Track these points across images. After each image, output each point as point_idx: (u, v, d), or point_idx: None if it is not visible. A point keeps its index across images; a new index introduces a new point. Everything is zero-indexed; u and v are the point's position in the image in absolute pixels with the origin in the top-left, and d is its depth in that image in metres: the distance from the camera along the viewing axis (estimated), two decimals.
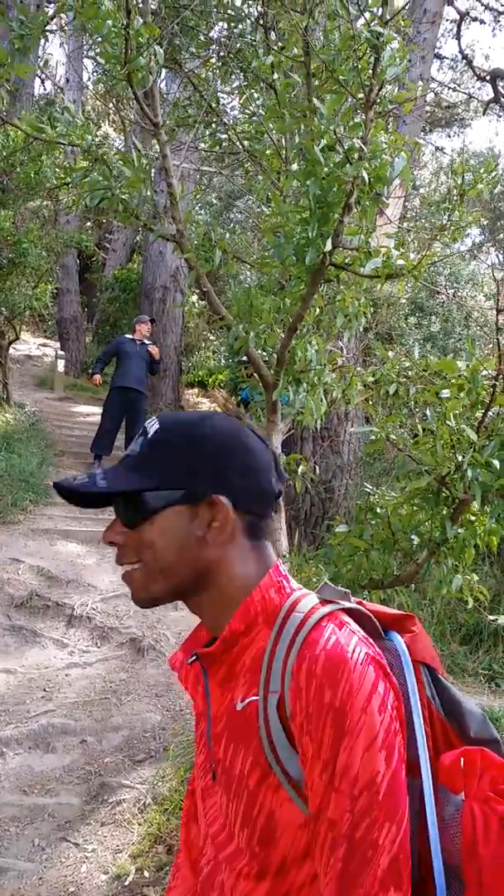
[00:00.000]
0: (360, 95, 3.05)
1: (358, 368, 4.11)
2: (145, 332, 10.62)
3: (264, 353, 3.80)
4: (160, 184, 11.26)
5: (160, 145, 3.95)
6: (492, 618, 3.30)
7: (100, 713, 4.59)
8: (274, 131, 3.87)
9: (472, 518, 2.84)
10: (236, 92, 4.22)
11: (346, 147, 2.93)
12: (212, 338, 18.61)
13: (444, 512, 2.83)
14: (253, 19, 4.26)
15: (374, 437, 3.02)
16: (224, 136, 4.71)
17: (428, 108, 20.26)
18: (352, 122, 3.06)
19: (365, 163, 2.90)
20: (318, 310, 3.67)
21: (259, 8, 4.13)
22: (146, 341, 10.54)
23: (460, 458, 2.61)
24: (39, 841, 3.44)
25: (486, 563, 6.20)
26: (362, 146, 2.91)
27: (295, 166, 3.71)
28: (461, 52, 21.36)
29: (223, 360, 17.43)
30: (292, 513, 7.02)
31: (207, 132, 4.79)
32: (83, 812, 3.65)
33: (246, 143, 4.33)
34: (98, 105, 21.89)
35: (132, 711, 4.60)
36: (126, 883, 3.09)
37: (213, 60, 4.71)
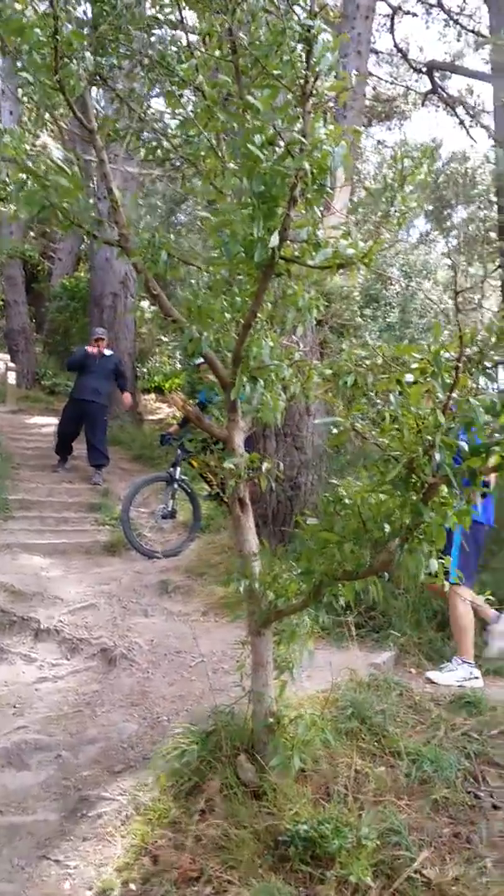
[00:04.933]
0: (296, 88, 3.02)
1: (315, 362, 4.07)
2: (103, 347, 10.65)
3: (219, 353, 3.76)
4: (102, 191, 11.17)
5: (96, 151, 3.89)
6: (468, 598, 3.28)
7: (74, 726, 4.51)
8: (207, 132, 3.82)
9: (443, 501, 2.82)
10: (164, 97, 4.16)
11: (286, 141, 2.90)
12: (165, 340, 18.52)
13: (415, 497, 2.80)
14: (170, 26, 4.20)
15: (338, 429, 2.99)
16: (157, 145, 4.65)
17: (367, 102, 20.37)
18: (288, 115, 3.03)
19: (307, 155, 2.88)
20: (270, 305, 3.64)
21: (177, 14, 4.07)
22: (106, 353, 10.57)
23: (428, 441, 2.59)
24: (18, 861, 3.37)
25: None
26: (302, 139, 2.88)
27: (232, 165, 3.67)
28: (396, 45, 21.58)
29: (179, 364, 17.36)
30: (259, 512, 6.97)
31: (141, 142, 4.73)
32: (63, 828, 3.58)
33: (180, 148, 4.27)
34: (34, 115, 21.64)
35: (107, 722, 4.53)
36: None
37: (137, 70, 4.65)
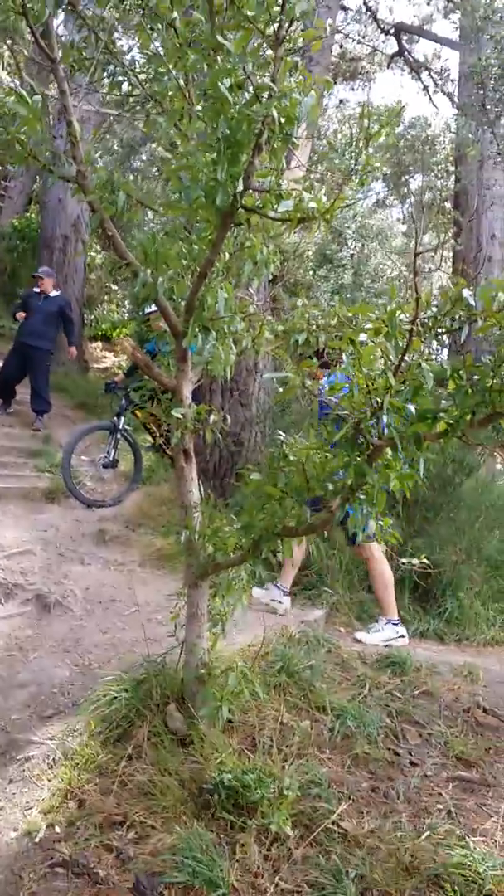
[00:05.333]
0: (269, 32, 2.94)
1: (267, 317, 4.04)
2: (48, 287, 10.35)
3: (172, 302, 3.70)
4: (59, 129, 10.84)
5: (58, 82, 3.76)
6: (403, 561, 3.33)
7: (5, 670, 4.48)
8: (176, 71, 3.72)
9: (386, 463, 2.84)
10: (135, 32, 4.02)
11: (255, 85, 2.84)
12: (115, 289, 18.23)
13: (359, 458, 2.81)
14: None
15: (287, 385, 2.98)
16: (123, 79, 4.51)
17: (333, 59, 20.09)
18: (260, 59, 2.96)
19: (275, 101, 2.82)
20: (227, 255, 3.58)
21: None
22: (52, 294, 10.30)
23: (377, 402, 2.59)
24: None
25: (393, 512, 6.30)
26: (272, 84, 2.82)
27: (199, 108, 3.59)
28: (365, 3, 21.24)
29: (127, 314, 17.13)
30: (201, 465, 6.96)
31: (105, 74, 4.58)
32: None
33: (147, 84, 4.15)
34: None
35: (39, 668, 4.51)
36: (37, 839, 3.05)
37: None
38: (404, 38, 20.73)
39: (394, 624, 5.46)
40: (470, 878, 3.08)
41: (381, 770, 3.86)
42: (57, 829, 3.12)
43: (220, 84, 2.80)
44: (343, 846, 3.25)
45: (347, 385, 2.80)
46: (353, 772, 3.79)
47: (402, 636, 5.42)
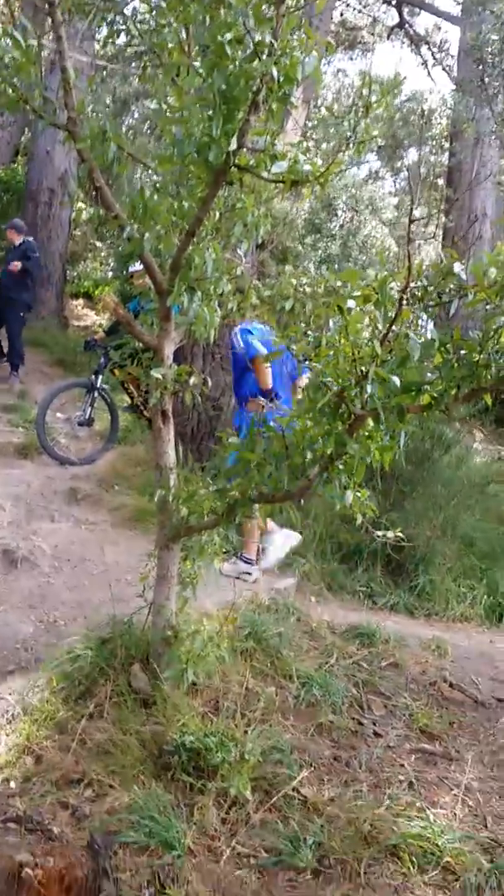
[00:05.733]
0: None
1: (254, 282, 3.98)
2: (14, 238, 10.13)
3: (158, 259, 3.63)
4: (51, 79, 10.58)
5: (55, 26, 3.63)
6: (378, 533, 3.32)
7: None
8: (177, 23, 3.61)
9: (367, 434, 2.81)
10: None
11: (255, 41, 2.76)
12: (99, 246, 17.98)
13: (340, 427, 2.78)
14: None
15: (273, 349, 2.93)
16: (122, 28, 4.39)
17: (333, 27, 19.79)
18: (261, 17, 2.87)
19: (276, 59, 2.74)
20: (217, 215, 3.51)
21: None
22: (17, 243, 10.07)
23: (362, 371, 2.56)
24: None
25: (370, 485, 6.30)
26: (273, 41, 2.74)
27: (198, 63, 3.49)
28: None
29: (111, 273, 16.92)
30: (179, 429, 6.90)
31: (106, 21, 4.45)
32: None
33: (146, 34, 4.04)
34: None
35: (3, 622, 4.48)
36: None
37: None
38: (405, 9, 20.44)
39: (246, 562, 5.62)
40: (428, 850, 3.11)
41: (345, 739, 3.88)
42: (12, 784, 3.10)
43: (219, 37, 2.72)
44: (302, 813, 3.27)
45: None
46: (316, 740, 3.81)
47: (251, 574, 5.60)
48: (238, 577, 5.39)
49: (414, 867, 3.04)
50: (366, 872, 3.01)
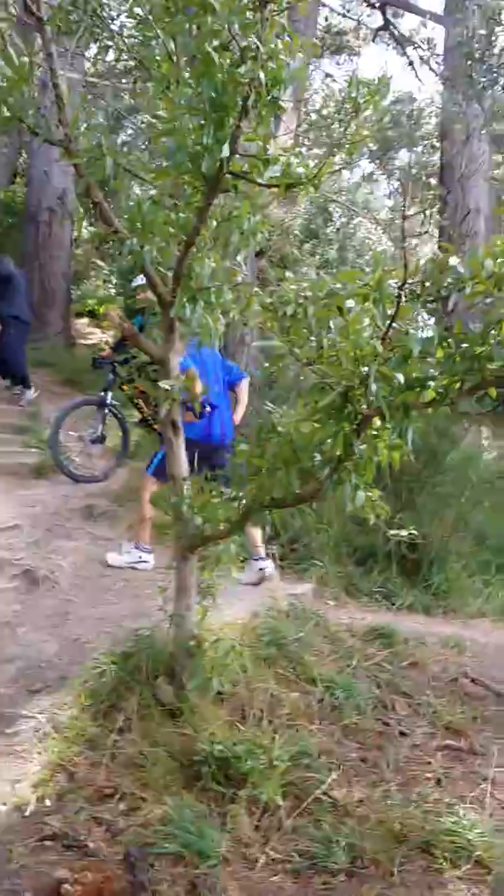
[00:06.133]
0: None
1: (255, 289, 4.00)
2: None
3: (160, 272, 3.66)
4: (45, 99, 10.67)
5: (45, 43, 3.67)
6: (392, 532, 3.33)
7: None
8: (164, 35, 3.65)
9: (375, 434, 2.82)
10: None
11: (241, 46, 2.79)
12: (102, 264, 18.05)
13: (347, 428, 2.79)
14: None
15: (276, 353, 2.95)
16: (111, 44, 4.43)
17: (318, 33, 19.86)
18: (246, 21, 2.90)
19: (261, 63, 2.77)
20: (214, 223, 3.53)
21: None
22: None
23: (365, 370, 2.57)
24: None
25: (381, 485, 6.31)
26: (258, 45, 2.77)
27: (187, 74, 3.53)
28: None
29: (114, 290, 16.98)
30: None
31: (94, 38, 4.50)
32: None
33: (135, 49, 4.08)
34: None
35: (27, 642, 4.49)
36: (27, 813, 3.04)
37: None
38: (389, 11, 20.48)
39: (141, 550, 5.79)
40: (459, 845, 3.11)
41: (371, 740, 3.88)
42: (47, 802, 3.11)
43: (206, 45, 2.75)
44: (333, 815, 3.27)
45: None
46: (343, 742, 3.81)
47: (146, 562, 5.74)
48: (132, 567, 5.60)
49: (447, 863, 3.05)
50: (399, 871, 3.01)
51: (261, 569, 5.50)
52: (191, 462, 5.47)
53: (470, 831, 3.16)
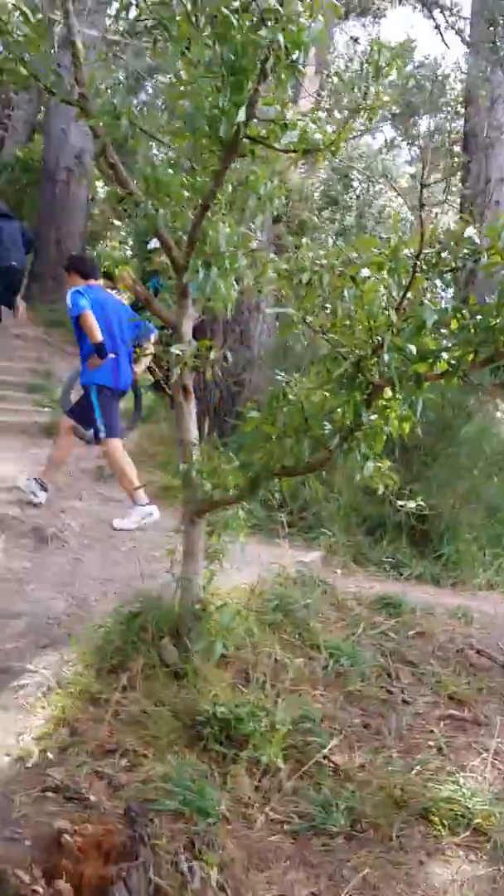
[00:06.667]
0: None
1: (271, 256, 3.97)
2: None
3: (174, 235, 3.63)
4: (64, 57, 10.51)
5: (63, 0, 3.63)
6: (400, 503, 3.33)
7: (1, 600, 4.51)
8: None
9: (385, 404, 2.82)
10: None
11: (261, 9, 2.74)
12: (119, 225, 17.92)
13: (359, 398, 2.79)
14: None
15: (288, 320, 2.94)
16: (133, 1, 4.37)
17: None
18: None
19: (282, 26, 2.73)
20: (230, 187, 3.50)
21: None
22: None
23: (378, 340, 2.56)
24: None
25: (391, 457, 6.30)
26: (279, 8, 2.73)
27: (206, 34, 3.47)
28: None
29: (130, 252, 16.88)
30: (201, 404, 6.93)
31: None
32: None
33: (155, 6, 4.02)
34: None
35: (35, 599, 4.54)
36: (29, 764, 3.09)
37: None
38: None
39: (141, 506, 5.88)
40: (458, 813, 3.15)
41: (374, 707, 3.92)
42: (49, 755, 3.16)
43: (225, 5, 2.71)
44: (333, 780, 3.32)
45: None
46: (346, 708, 3.85)
47: (151, 513, 5.88)
48: (140, 527, 5.76)
49: (445, 829, 3.09)
50: (398, 836, 3.05)
51: (33, 493, 5.86)
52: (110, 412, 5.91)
53: (470, 799, 3.20)
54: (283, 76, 2.89)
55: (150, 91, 16.35)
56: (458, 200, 14.50)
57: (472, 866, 2.98)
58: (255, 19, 2.75)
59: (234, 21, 2.69)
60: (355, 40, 22.08)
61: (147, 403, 8.72)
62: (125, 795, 2.87)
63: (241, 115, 2.79)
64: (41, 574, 4.90)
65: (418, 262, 2.51)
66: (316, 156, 3.15)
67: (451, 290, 2.96)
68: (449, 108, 17.96)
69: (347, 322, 2.72)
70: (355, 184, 11.78)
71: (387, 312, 2.58)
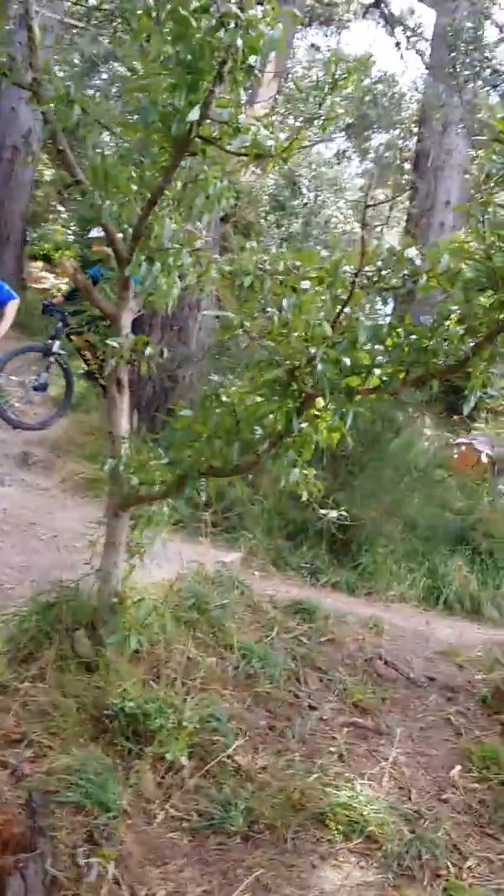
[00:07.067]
0: None
1: (215, 256, 3.99)
2: None
3: (119, 227, 3.62)
4: (16, 35, 10.36)
5: None
6: (322, 512, 3.39)
7: None
8: None
9: (317, 414, 2.86)
10: None
11: (221, 12, 2.76)
12: (61, 209, 17.68)
13: (291, 405, 2.83)
14: None
15: (227, 324, 2.96)
16: None
17: (309, 0, 19.61)
18: None
19: (240, 31, 2.75)
20: (179, 184, 3.50)
21: None
22: None
23: (313, 351, 2.60)
24: None
25: (319, 465, 6.38)
26: (239, 12, 2.74)
27: (166, 30, 3.47)
28: None
29: (72, 237, 16.66)
30: (133, 398, 6.90)
31: None
32: None
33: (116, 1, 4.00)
34: None
35: None
36: None
37: None
38: None
39: None
40: (353, 819, 3.22)
41: (280, 710, 3.97)
42: None
43: (184, 6, 2.72)
44: (235, 780, 3.36)
45: None
46: (253, 710, 3.89)
47: None
48: None
49: (339, 835, 3.16)
50: (293, 838, 3.11)
51: None
52: None
53: (365, 807, 3.28)
54: (238, 79, 2.90)
55: (104, 78, 16.19)
56: (404, 218, 14.75)
57: (363, 872, 3.05)
58: (214, 21, 2.76)
59: (193, 22, 2.70)
60: (316, 48, 22.29)
61: (78, 391, 8.62)
62: (28, 786, 2.85)
63: (195, 115, 2.80)
64: None
65: (357, 279, 2.55)
66: (267, 161, 3.17)
67: (390, 306, 3.02)
68: (402, 126, 18.24)
69: (284, 330, 2.75)
70: (304, 191, 11.85)
71: (323, 325, 2.62)
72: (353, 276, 2.57)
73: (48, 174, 16.56)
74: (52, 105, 3.24)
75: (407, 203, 14.50)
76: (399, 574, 6.40)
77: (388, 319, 2.82)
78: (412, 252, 2.75)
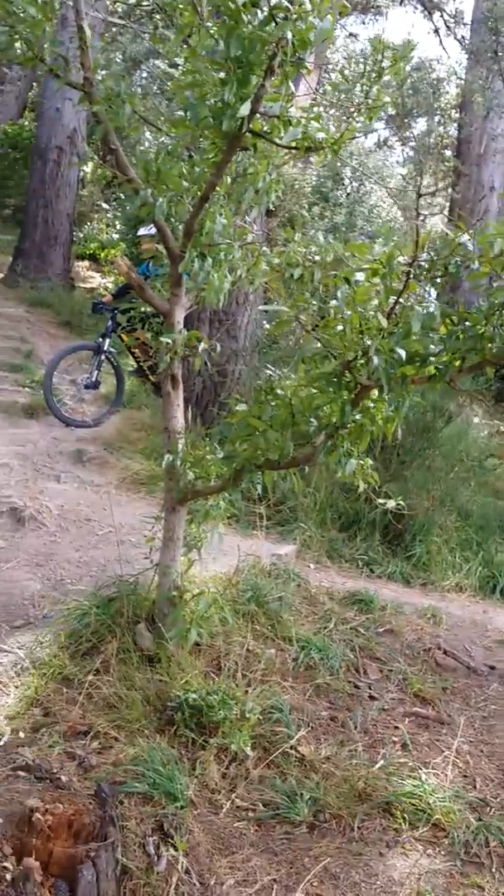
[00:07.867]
0: None
1: (264, 249, 4.00)
2: None
3: (170, 224, 3.65)
4: (64, 34, 10.45)
5: None
6: (380, 501, 3.39)
7: None
8: None
9: (372, 405, 2.86)
10: None
11: (271, 4, 2.76)
12: (106, 207, 17.80)
13: (346, 397, 2.83)
14: None
15: (282, 317, 2.97)
16: None
17: None
18: None
19: (291, 23, 2.75)
20: (228, 179, 3.52)
21: None
22: None
23: (368, 343, 2.60)
24: None
25: (371, 455, 6.36)
26: (289, 4, 2.74)
27: (210, 25, 3.48)
28: None
29: (116, 235, 16.79)
30: (184, 393, 6.95)
31: None
32: None
33: None
34: None
35: (10, 579, 4.55)
36: (1, 743, 3.11)
37: None
38: None
39: None
40: (419, 808, 3.22)
41: (341, 701, 3.97)
42: (21, 734, 3.19)
43: (232, 2, 2.72)
44: (299, 770, 3.38)
45: None
46: (314, 701, 3.90)
47: None
48: None
49: (405, 823, 3.16)
50: (359, 827, 3.12)
51: None
52: None
53: (430, 795, 3.27)
54: (288, 72, 2.91)
55: (146, 76, 16.27)
56: (448, 205, 14.58)
57: (430, 860, 3.05)
58: (263, 14, 2.76)
59: (243, 16, 2.70)
60: (354, 37, 22.10)
61: (129, 389, 8.71)
62: (96, 777, 2.90)
63: (246, 109, 2.81)
64: (17, 554, 4.91)
65: (412, 270, 2.55)
66: (317, 154, 3.17)
67: (434, 291, 3.00)
68: (443, 113, 18.02)
69: (338, 322, 2.76)
70: (346, 181, 11.79)
71: (377, 317, 2.62)
72: (408, 265, 2.56)
73: (90, 172, 16.68)
74: (104, 104, 3.27)
75: (450, 189, 14.32)
76: (454, 564, 6.34)
77: (432, 307, 2.79)
78: (465, 238, 2.73)
